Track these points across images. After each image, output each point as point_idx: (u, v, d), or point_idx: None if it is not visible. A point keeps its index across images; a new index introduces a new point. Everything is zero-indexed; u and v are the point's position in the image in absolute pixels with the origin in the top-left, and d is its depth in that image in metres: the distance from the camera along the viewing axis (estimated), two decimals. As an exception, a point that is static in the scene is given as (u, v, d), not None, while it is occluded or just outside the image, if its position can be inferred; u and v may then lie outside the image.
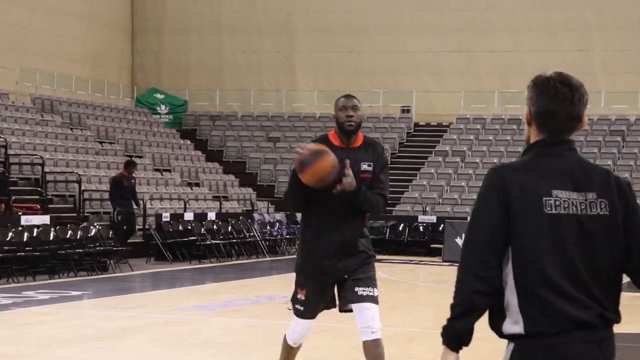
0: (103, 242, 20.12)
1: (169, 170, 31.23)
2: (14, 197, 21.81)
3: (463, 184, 31.41)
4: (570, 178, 3.60)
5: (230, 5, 38.24)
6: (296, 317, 7.23)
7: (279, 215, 28.37)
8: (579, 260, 3.53)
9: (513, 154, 32.03)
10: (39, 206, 22.48)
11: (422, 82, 36.34)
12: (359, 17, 36.74)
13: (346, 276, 7.06)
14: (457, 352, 3.59)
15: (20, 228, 18.64)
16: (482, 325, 3.63)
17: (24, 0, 32.67)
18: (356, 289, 7.02)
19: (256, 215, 27.39)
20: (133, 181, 23.04)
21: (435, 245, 26.68)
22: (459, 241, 25.03)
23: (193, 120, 37.33)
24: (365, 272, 7.07)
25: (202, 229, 24.02)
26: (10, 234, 18.21)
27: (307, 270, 7.12)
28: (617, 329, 3.64)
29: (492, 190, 3.60)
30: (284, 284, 19.16)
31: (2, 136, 25.03)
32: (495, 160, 31.66)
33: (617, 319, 3.59)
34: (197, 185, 31.52)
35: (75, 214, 23.64)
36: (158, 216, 24.10)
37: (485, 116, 35.16)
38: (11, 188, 22.63)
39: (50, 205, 23.61)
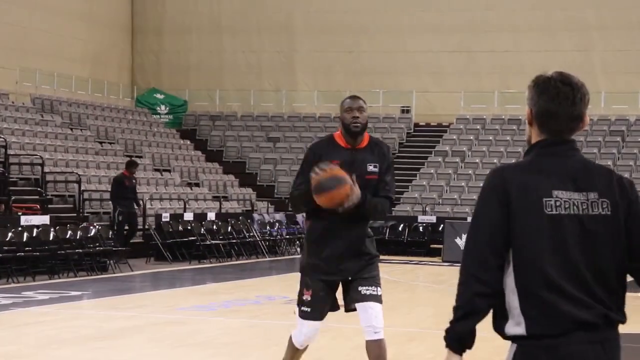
0: (103, 242, 20.11)
1: (169, 171, 31.22)
2: (13, 197, 21.80)
3: (463, 184, 31.40)
4: (572, 178, 3.59)
5: (230, 5, 38.23)
6: (302, 321, 7.16)
7: (279, 216, 28.37)
8: (581, 261, 3.52)
9: (513, 154, 32.03)
10: (38, 206, 22.47)
11: (422, 82, 36.34)
12: (359, 17, 36.73)
13: (350, 277, 7.07)
14: (461, 354, 3.58)
15: (20, 228, 18.64)
16: (482, 325, 3.62)
17: (24, 0, 32.66)
18: (360, 288, 7.02)
19: (256, 216, 27.38)
20: (134, 181, 23.06)
21: (435, 246, 26.68)
22: (459, 241, 25.03)
23: (193, 120, 37.33)
24: (369, 272, 7.08)
25: (202, 229, 24.01)
26: (9, 234, 18.20)
27: (313, 270, 7.10)
28: (620, 329, 3.62)
29: (492, 190, 3.59)
30: (284, 284, 19.18)
31: (2, 136, 25.02)
32: (495, 161, 31.68)
33: (623, 319, 3.58)
34: (197, 185, 31.51)
35: (75, 214, 23.63)
36: (158, 216, 24.09)
37: (485, 116, 35.15)
38: (11, 188, 22.62)
39: (50, 206, 23.60)
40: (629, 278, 3.67)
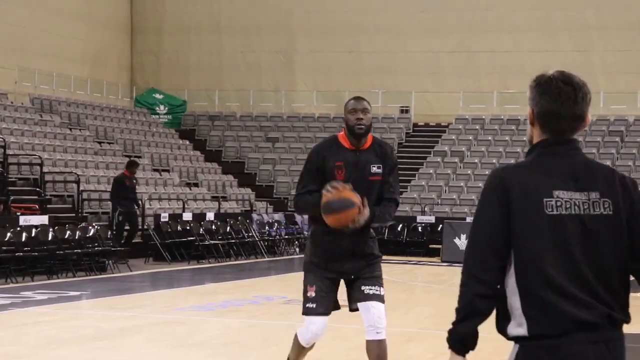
0: (101, 242, 20.10)
1: (168, 171, 31.21)
2: (12, 197, 21.79)
3: (462, 184, 31.39)
4: (573, 178, 3.57)
5: (229, 5, 38.22)
6: (309, 316, 7.10)
7: (278, 216, 28.36)
8: (582, 261, 3.51)
9: (512, 155, 32.03)
10: (37, 206, 22.45)
11: (421, 82, 36.33)
12: (358, 17, 36.72)
13: (353, 276, 7.07)
14: (464, 355, 3.58)
15: (18, 228, 18.63)
16: (482, 325, 3.61)
17: (24, 0, 32.64)
18: (363, 287, 7.03)
19: (255, 216, 27.37)
20: (134, 181, 23.05)
21: (434, 246, 26.68)
22: (458, 241, 25.04)
23: (192, 120, 37.32)
24: (372, 272, 7.08)
25: (201, 229, 24.00)
26: (8, 234, 18.19)
27: (316, 267, 7.09)
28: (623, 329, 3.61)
29: (492, 190, 3.59)
30: (283, 284, 19.17)
31: (1, 136, 25.01)
32: (494, 161, 31.67)
33: (627, 319, 3.56)
34: (196, 185, 31.50)
35: (73, 214, 23.62)
36: (157, 216, 24.08)
37: (484, 116, 35.14)
38: (10, 188, 22.61)
39: (48, 206, 23.58)
40: (631, 278, 3.65)
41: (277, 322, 13.36)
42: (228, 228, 24.95)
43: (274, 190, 33.09)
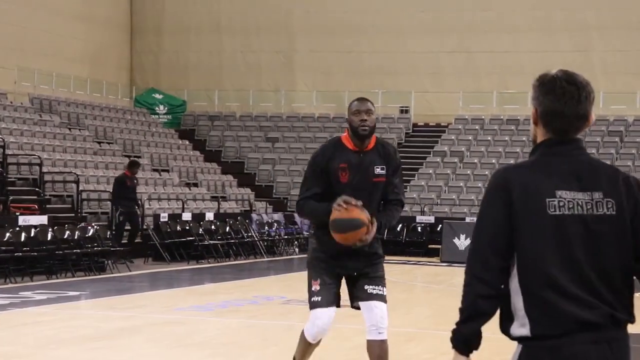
0: (101, 242, 20.08)
1: (167, 171, 31.20)
2: (11, 197, 21.77)
3: (461, 184, 31.38)
4: (576, 178, 3.56)
5: (229, 5, 38.21)
6: (314, 310, 7.07)
7: (277, 216, 28.35)
8: (585, 261, 3.50)
9: (511, 155, 32.01)
10: (36, 206, 22.43)
11: (420, 82, 36.33)
12: (358, 17, 36.72)
13: (355, 273, 7.07)
14: (467, 355, 3.58)
15: (17, 228, 18.61)
16: (485, 325, 3.60)
17: (24, 0, 32.63)
18: (366, 287, 7.03)
19: (254, 216, 27.36)
20: (135, 181, 23.05)
21: (433, 246, 26.67)
22: (457, 242, 25.03)
23: (192, 120, 37.31)
24: (375, 271, 7.08)
25: (200, 229, 23.99)
26: (7, 234, 18.18)
27: (319, 262, 7.08)
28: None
29: (495, 191, 3.58)
30: (282, 284, 19.17)
31: (0, 136, 24.99)
32: (494, 161, 31.66)
33: (631, 319, 3.55)
34: (195, 185, 31.49)
35: (73, 214, 23.60)
36: (156, 216, 24.07)
37: (483, 117, 35.13)
38: (9, 188, 22.59)
39: (48, 206, 23.57)
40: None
41: (276, 322, 13.35)
42: (227, 228, 24.94)
43: (274, 191, 33.08)
